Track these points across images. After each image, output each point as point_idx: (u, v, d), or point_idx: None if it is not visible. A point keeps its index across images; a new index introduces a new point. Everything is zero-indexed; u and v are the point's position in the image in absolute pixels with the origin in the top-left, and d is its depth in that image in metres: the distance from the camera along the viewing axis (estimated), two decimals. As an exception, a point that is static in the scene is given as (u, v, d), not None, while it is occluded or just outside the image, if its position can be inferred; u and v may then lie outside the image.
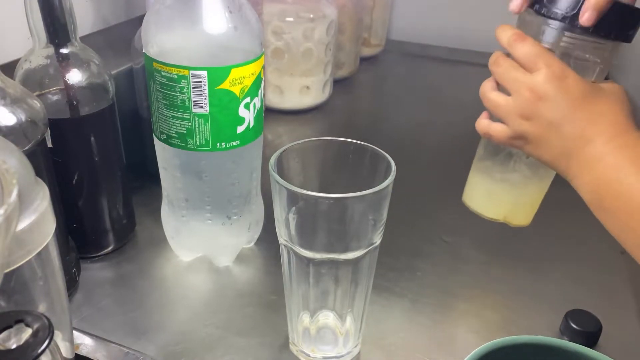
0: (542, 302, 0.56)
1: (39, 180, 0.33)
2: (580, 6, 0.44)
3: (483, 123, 0.51)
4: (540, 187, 0.56)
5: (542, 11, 0.47)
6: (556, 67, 0.45)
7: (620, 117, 0.45)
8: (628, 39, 0.47)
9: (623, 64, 1.09)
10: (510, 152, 0.53)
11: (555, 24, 0.47)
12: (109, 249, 0.60)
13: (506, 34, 0.48)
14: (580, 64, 0.47)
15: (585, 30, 0.45)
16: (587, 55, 0.47)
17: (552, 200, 0.67)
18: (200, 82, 0.48)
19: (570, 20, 0.45)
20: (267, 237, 0.61)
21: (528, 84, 0.46)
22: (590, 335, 0.50)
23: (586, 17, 0.44)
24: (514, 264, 0.61)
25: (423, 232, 0.66)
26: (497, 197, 0.56)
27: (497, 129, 0.49)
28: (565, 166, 0.46)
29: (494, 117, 0.50)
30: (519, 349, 0.38)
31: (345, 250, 0.42)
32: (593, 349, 0.38)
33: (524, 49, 0.46)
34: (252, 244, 0.62)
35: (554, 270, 0.60)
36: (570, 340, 0.50)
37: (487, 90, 0.50)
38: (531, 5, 0.48)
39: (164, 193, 0.58)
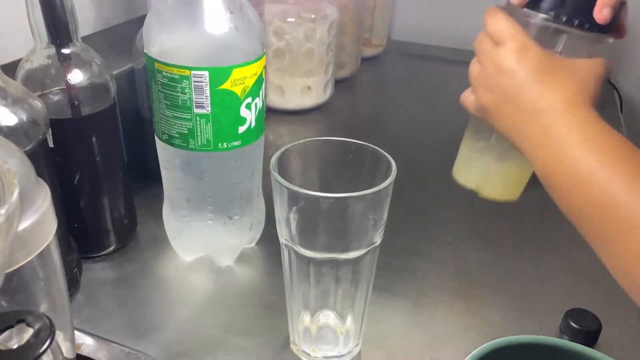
0: (542, 301, 0.56)
1: (40, 180, 0.33)
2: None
3: (464, 93, 0.52)
4: (518, 164, 0.55)
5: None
6: (519, 40, 0.45)
7: (574, 92, 0.44)
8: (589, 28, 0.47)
9: (623, 64, 1.09)
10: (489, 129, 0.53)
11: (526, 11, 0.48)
12: (111, 249, 0.60)
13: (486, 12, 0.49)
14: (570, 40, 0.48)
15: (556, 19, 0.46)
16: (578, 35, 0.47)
17: (553, 199, 0.67)
18: (202, 82, 0.48)
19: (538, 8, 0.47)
20: (269, 237, 0.61)
21: (492, 56, 0.47)
22: (590, 334, 0.50)
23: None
24: (514, 263, 0.61)
25: (423, 232, 0.66)
26: (471, 164, 0.57)
27: (468, 99, 0.51)
28: (519, 140, 0.46)
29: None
30: (519, 349, 0.38)
31: (346, 249, 0.42)
32: (593, 348, 0.38)
33: (493, 22, 0.47)
34: (253, 244, 0.62)
35: (554, 270, 0.60)
36: (570, 340, 0.50)
37: (471, 62, 0.51)
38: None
39: (166, 193, 0.58)
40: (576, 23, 0.46)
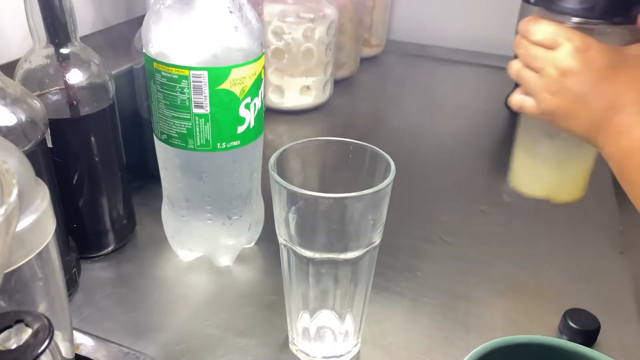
0: (541, 301, 0.56)
1: (39, 180, 0.33)
2: None
3: (517, 97, 0.52)
4: (585, 160, 0.55)
5: (549, 7, 0.48)
6: (577, 40, 0.45)
7: None
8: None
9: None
10: (548, 129, 0.53)
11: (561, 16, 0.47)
12: (109, 249, 0.60)
13: (522, 22, 0.48)
14: (601, 38, 0.47)
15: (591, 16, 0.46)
16: (608, 30, 0.47)
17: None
18: (201, 82, 0.48)
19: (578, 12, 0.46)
20: (268, 237, 0.61)
21: (552, 61, 0.46)
22: (589, 334, 0.50)
23: None
24: (513, 263, 0.61)
25: (423, 232, 0.66)
26: (539, 175, 0.56)
27: (529, 104, 0.50)
28: (594, 138, 0.46)
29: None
30: (518, 349, 0.38)
31: (345, 249, 0.42)
32: (592, 348, 0.38)
33: (540, 28, 0.47)
34: (252, 244, 0.62)
35: (553, 270, 0.60)
36: (569, 339, 0.50)
37: (518, 68, 0.50)
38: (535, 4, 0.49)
39: (165, 193, 0.58)
40: (612, 19, 0.46)
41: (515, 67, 0.51)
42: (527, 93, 0.50)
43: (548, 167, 0.55)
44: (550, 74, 0.46)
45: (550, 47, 0.47)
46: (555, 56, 0.46)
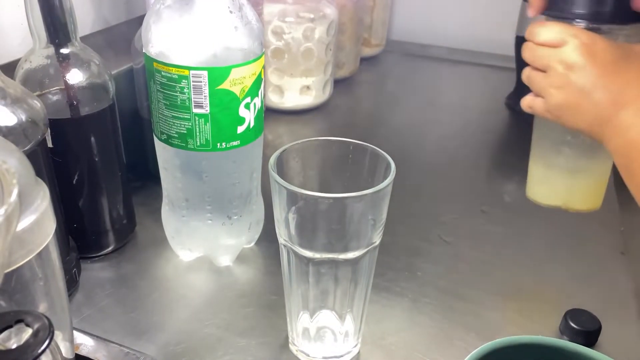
0: (541, 301, 0.56)
1: (39, 180, 0.33)
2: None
3: (527, 98, 0.53)
4: (598, 171, 0.56)
5: (561, 14, 0.49)
6: (583, 36, 0.46)
7: None
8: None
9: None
10: (562, 138, 0.54)
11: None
12: (109, 249, 0.60)
13: (529, 28, 0.50)
14: (608, 36, 0.48)
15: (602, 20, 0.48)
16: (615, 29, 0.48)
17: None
18: (201, 82, 0.48)
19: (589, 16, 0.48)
20: (268, 237, 0.61)
21: (557, 57, 0.47)
22: (590, 334, 0.50)
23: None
24: (514, 263, 0.61)
25: (423, 232, 0.66)
26: (551, 182, 0.57)
27: (537, 102, 0.51)
28: (600, 132, 0.47)
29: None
30: (518, 349, 0.38)
31: (345, 250, 0.42)
32: (592, 348, 0.38)
33: (546, 30, 0.48)
34: (252, 244, 0.62)
35: (554, 270, 0.60)
36: (569, 340, 0.50)
37: (528, 72, 0.52)
38: (548, 8, 0.50)
39: (165, 193, 0.58)
40: (619, 22, 0.48)
41: (525, 72, 0.52)
42: (537, 95, 0.51)
43: (561, 177, 0.56)
44: (557, 69, 0.47)
45: (556, 45, 0.48)
46: (561, 52, 0.47)
